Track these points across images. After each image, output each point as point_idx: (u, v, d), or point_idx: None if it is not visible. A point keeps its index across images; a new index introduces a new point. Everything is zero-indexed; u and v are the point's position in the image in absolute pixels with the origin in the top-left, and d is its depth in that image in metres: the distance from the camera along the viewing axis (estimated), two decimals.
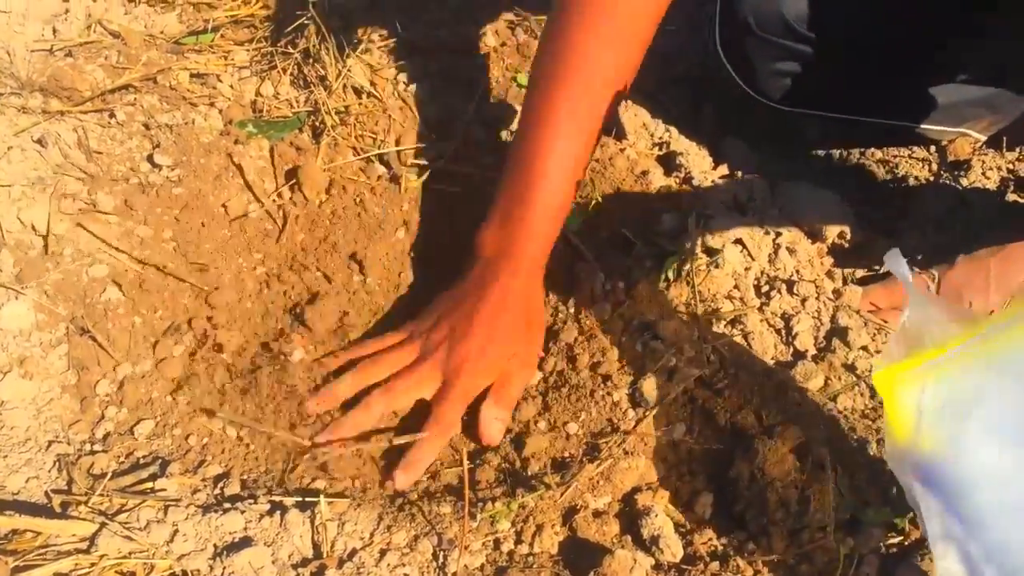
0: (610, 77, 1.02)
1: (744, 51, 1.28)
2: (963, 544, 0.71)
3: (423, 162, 1.24)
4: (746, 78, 1.30)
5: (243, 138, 1.22)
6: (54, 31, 1.33)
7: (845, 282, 1.14)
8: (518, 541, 0.86)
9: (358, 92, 1.28)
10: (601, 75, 1.01)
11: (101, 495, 0.83)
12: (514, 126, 1.26)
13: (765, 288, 1.10)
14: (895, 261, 0.76)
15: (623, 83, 1.04)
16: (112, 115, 1.21)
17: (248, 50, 1.37)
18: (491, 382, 0.99)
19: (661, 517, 0.88)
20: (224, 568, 0.78)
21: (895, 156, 1.43)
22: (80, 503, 0.83)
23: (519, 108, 1.27)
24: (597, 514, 0.89)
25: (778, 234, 1.15)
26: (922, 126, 1.35)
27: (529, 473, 0.93)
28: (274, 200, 1.17)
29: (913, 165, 1.41)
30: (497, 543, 0.86)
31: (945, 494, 0.73)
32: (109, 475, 0.86)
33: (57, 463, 0.89)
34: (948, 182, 1.36)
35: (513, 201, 1.03)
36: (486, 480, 0.93)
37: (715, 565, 0.84)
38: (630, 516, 0.90)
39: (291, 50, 1.32)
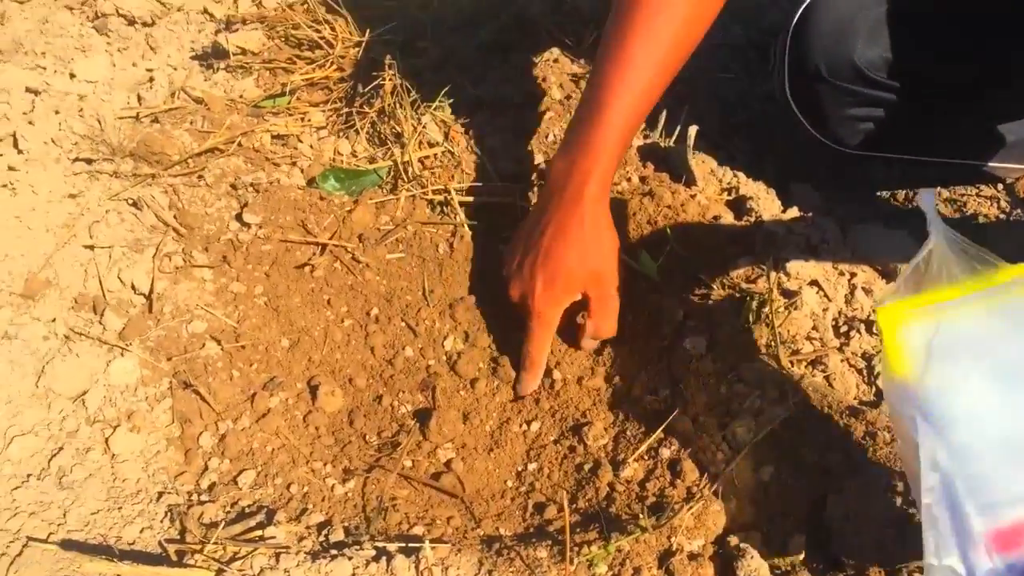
0: (682, 24, 1.05)
1: (815, 98, 1.31)
2: (947, 477, 0.73)
3: (497, 212, 1.27)
4: (816, 124, 1.33)
5: (324, 193, 1.27)
6: (139, 99, 1.40)
7: None
8: None
9: (432, 146, 1.33)
10: (675, 21, 1.05)
11: (215, 544, 0.86)
12: None
13: (844, 328, 1.11)
14: (926, 199, 0.78)
15: (694, 35, 1.07)
16: (200, 177, 1.26)
17: (324, 111, 1.42)
18: (578, 294, 1.09)
19: (757, 559, 0.89)
20: None
21: (963, 195, 1.45)
22: (195, 552, 0.86)
23: None
24: (692, 556, 0.90)
25: (853, 275, 1.16)
26: (990, 164, 1.37)
27: (622, 514, 0.94)
28: (353, 252, 1.21)
29: (981, 203, 1.42)
30: None
31: (941, 429, 0.74)
32: (221, 525, 0.89)
33: (168, 513, 0.92)
34: (1019, 218, 1.37)
35: (581, 127, 1.08)
36: (577, 522, 0.95)
37: None
38: (725, 558, 0.91)
39: (367, 109, 1.37)
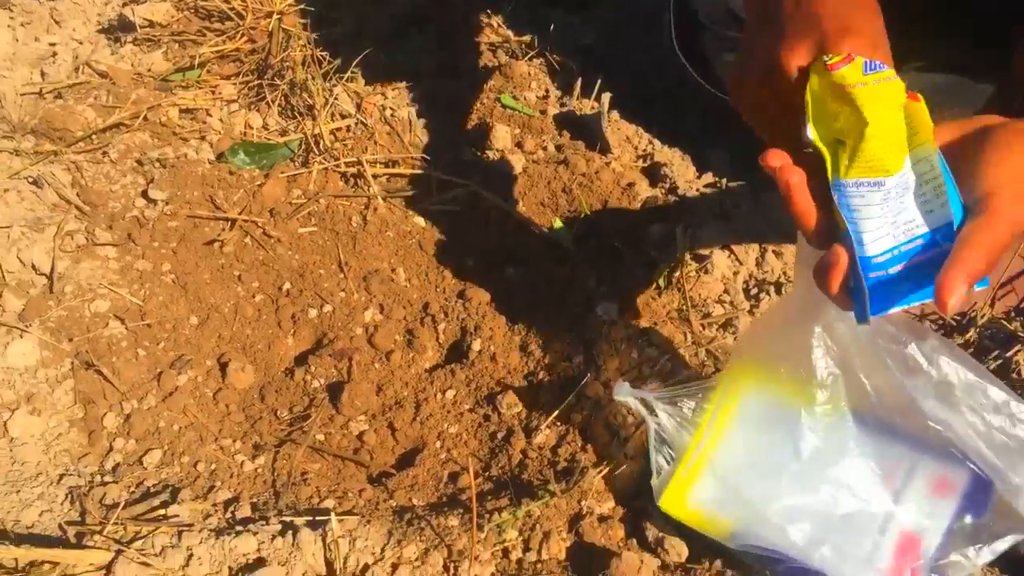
0: None
1: (697, 45, 1.30)
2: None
3: (411, 183, 1.26)
4: (701, 72, 1.31)
5: (234, 168, 1.24)
6: (42, 74, 1.35)
7: None
8: (526, 549, 0.88)
9: (345, 118, 1.31)
10: None
11: (115, 524, 0.85)
12: (499, 144, 1.28)
13: (755, 291, 1.13)
14: (622, 393, 0.86)
15: None
16: (105, 153, 1.23)
17: (235, 84, 1.39)
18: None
19: (666, 517, 0.90)
20: None
21: None
22: (95, 532, 0.84)
23: (504, 128, 1.30)
24: (602, 519, 0.91)
25: (764, 239, 1.18)
26: None
27: (533, 479, 0.95)
28: (264, 227, 1.19)
29: None
30: (506, 552, 0.88)
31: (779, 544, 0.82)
32: (122, 505, 0.88)
33: (69, 495, 0.90)
34: None
35: None
36: (490, 490, 0.95)
37: (719, 563, 0.86)
38: (635, 520, 0.92)
39: (278, 82, 1.34)
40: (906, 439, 0.82)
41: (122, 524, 0.85)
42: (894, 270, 0.64)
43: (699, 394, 0.88)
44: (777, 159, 0.69)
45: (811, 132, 0.67)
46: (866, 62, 0.65)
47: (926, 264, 0.63)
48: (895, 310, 0.63)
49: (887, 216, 0.65)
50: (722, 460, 0.86)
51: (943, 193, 0.64)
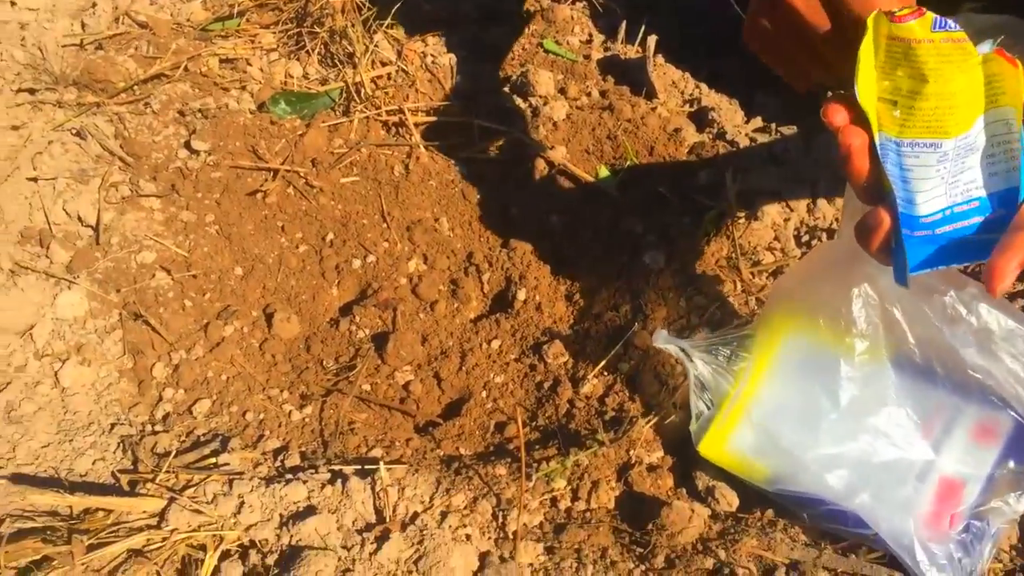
0: None
1: None
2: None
3: (453, 131, 1.24)
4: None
5: (275, 118, 1.23)
6: (83, 25, 1.35)
7: None
8: (575, 498, 0.88)
9: (385, 65, 1.29)
10: None
11: (167, 472, 0.85)
12: (542, 90, 1.26)
13: (806, 238, 1.10)
14: (661, 340, 0.85)
15: None
16: (147, 104, 1.22)
17: (274, 32, 1.38)
18: None
19: (714, 468, 0.89)
20: (291, 536, 0.79)
21: None
22: (147, 481, 0.85)
23: (547, 74, 1.27)
24: (651, 468, 0.90)
25: (815, 184, 1.14)
26: None
27: (581, 429, 0.94)
28: (306, 178, 1.18)
29: None
30: (554, 501, 0.87)
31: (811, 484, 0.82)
32: (173, 453, 0.88)
33: (121, 444, 0.91)
34: None
35: None
36: (537, 439, 0.95)
37: (771, 512, 0.85)
38: (684, 469, 0.91)
39: (317, 30, 1.32)
40: (947, 387, 0.81)
41: (174, 472, 0.86)
42: (941, 231, 0.63)
43: (735, 342, 0.87)
44: (839, 116, 0.67)
45: (857, 90, 0.65)
46: (936, 18, 0.62)
47: (979, 228, 0.62)
48: (933, 270, 0.62)
49: (943, 176, 0.63)
50: (759, 408, 0.86)
51: (1015, 157, 0.61)
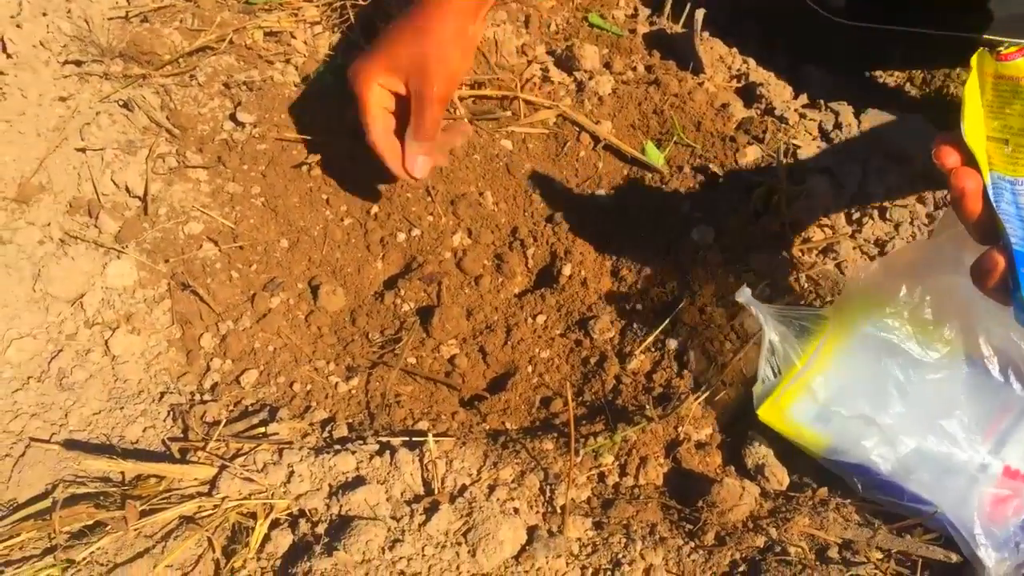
0: None
1: None
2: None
3: (498, 105, 1.23)
4: None
5: (321, 91, 1.23)
6: None
7: (937, 206, 1.11)
8: (623, 474, 0.87)
9: None
10: None
11: (217, 441, 0.86)
12: (587, 65, 1.24)
13: (856, 215, 1.08)
14: (745, 296, 0.85)
15: None
16: (192, 76, 1.22)
17: (318, 6, 1.37)
18: (399, 82, 1.03)
19: (764, 446, 0.88)
20: (341, 506, 0.80)
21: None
22: (198, 449, 0.85)
23: (592, 48, 1.26)
24: (700, 445, 0.90)
25: (866, 160, 1.12)
26: (985, 36, 1.29)
27: (628, 405, 0.93)
28: (350, 150, 1.18)
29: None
30: (602, 476, 0.87)
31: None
32: (223, 422, 0.89)
33: (171, 413, 0.92)
34: None
35: None
36: (584, 415, 0.94)
37: (823, 490, 0.84)
38: (733, 447, 0.90)
39: (361, 2, 1.32)
40: (1017, 390, 0.81)
41: (224, 441, 0.86)
42: None
43: (808, 319, 0.87)
44: (951, 158, 0.68)
45: (964, 129, 0.65)
46: None
47: None
48: None
49: None
50: (825, 388, 0.86)
51: None
